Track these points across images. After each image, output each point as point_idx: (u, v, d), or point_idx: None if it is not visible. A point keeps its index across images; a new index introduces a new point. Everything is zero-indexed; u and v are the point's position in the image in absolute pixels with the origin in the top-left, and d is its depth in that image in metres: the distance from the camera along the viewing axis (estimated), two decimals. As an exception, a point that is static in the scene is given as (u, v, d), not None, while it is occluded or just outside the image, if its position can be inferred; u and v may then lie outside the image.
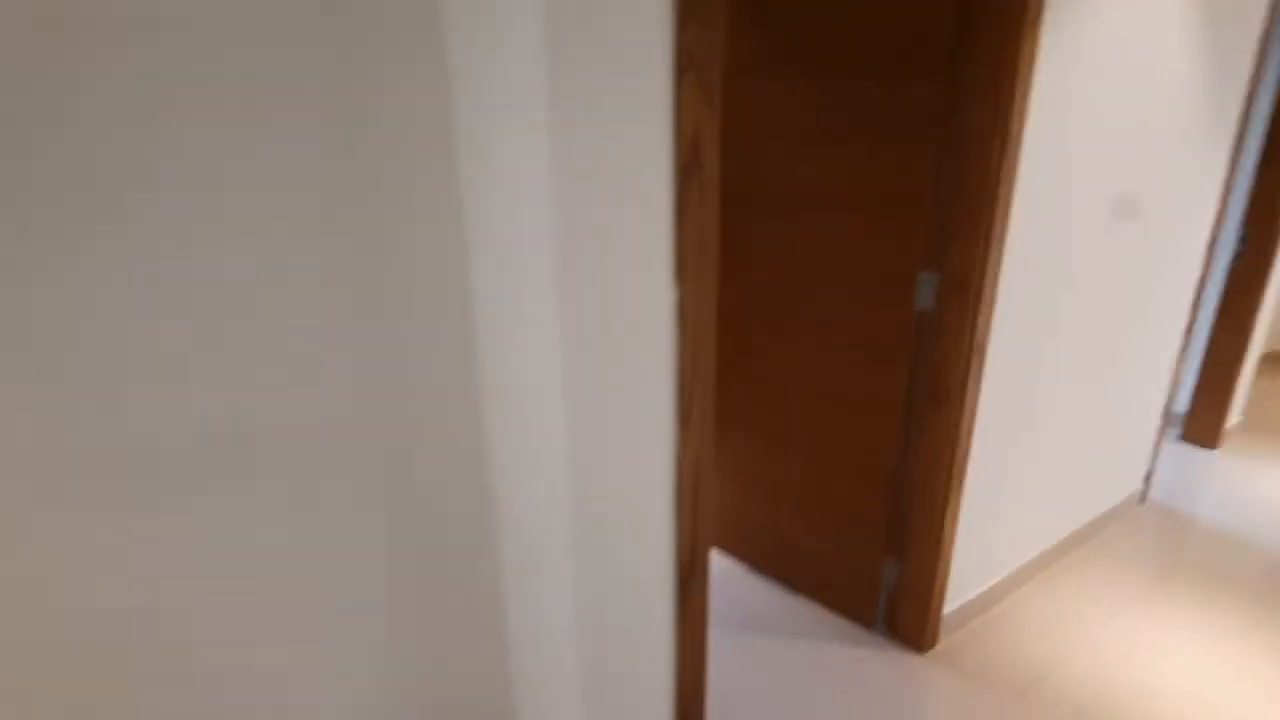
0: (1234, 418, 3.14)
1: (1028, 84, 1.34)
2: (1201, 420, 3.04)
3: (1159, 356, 2.29)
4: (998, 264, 1.45)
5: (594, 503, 0.93)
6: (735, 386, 1.97)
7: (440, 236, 0.70)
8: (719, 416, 2.05)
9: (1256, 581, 2.06)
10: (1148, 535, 2.33)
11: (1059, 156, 1.52)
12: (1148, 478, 2.52)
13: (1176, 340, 2.35)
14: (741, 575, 2.07)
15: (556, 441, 0.87)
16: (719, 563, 2.14)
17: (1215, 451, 3.01)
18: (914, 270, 1.51)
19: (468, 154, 0.69)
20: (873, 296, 1.59)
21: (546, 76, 0.72)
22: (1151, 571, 2.11)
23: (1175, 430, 3.17)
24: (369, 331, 0.68)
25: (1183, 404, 3.16)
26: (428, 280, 0.70)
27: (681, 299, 0.93)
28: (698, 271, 0.93)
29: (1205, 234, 2.26)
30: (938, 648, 1.75)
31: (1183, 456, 2.96)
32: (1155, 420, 2.44)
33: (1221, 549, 2.24)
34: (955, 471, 1.58)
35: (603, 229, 0.82)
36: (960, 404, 1.52)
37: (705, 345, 0.98)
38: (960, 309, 1.47)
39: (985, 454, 1.68)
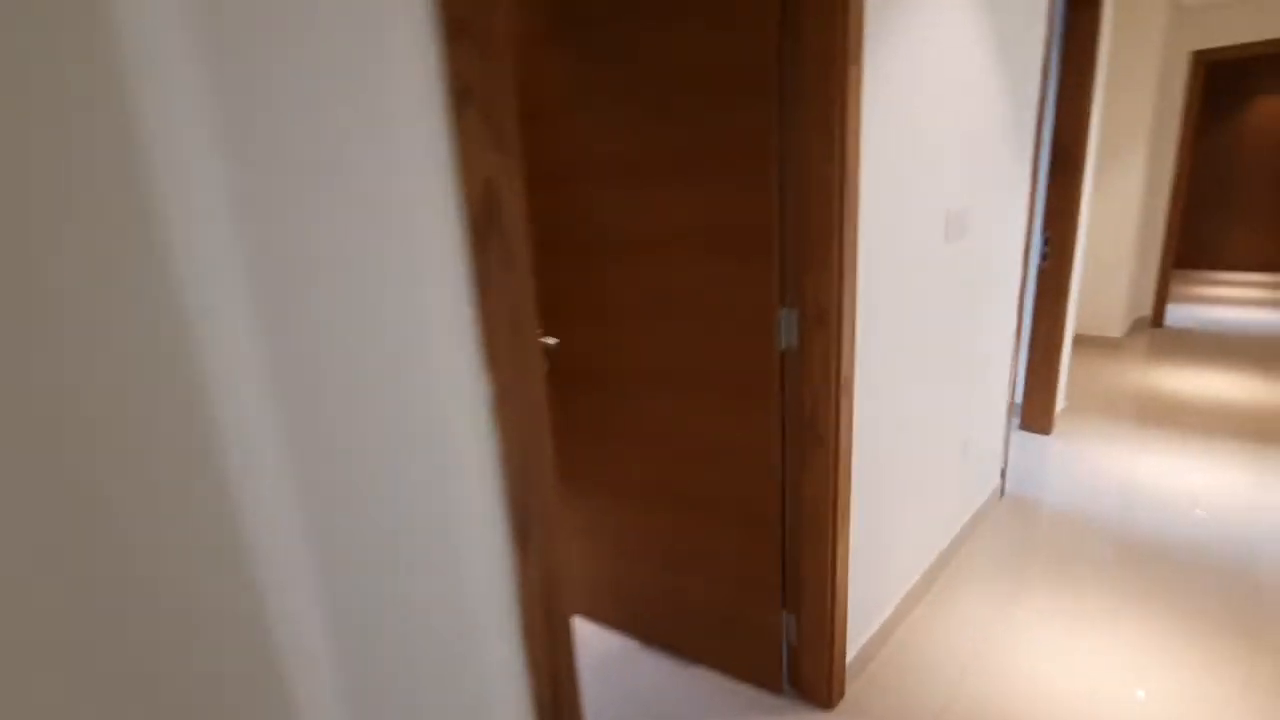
0: (1060, 403, 3.45)
1: (858, 109, 1.29)
2: (1035, 409, 3.30)
3: (998, 359, 2.41)
4: (854, 293, 1.39)
5: (409, 670, 0.69)
6: (597, 446, 1.79)
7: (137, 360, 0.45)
8: (581, 477, 1.85)
9: (1108, 557, 2.18)
10: (1011, 530, 2.43)
11: (894, 180, 1.50)
12: (1003, 473, 2.65)
13: (1009, 341, 2.50)
14: (631, 652, 1.87)
15: (336, 603, 0.62)
16: (603, 641, 1.93)
17: (1050, 436, 3.27)
18: (772, 307, 1.42)
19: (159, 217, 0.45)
20: (734, 338, 1.48)
21: (254, 126, 0.50)
22: (1021, 566, 2.19)
23: (1015, 420, 3.43)
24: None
25: (1018, 396, 3.42)
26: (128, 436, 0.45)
27: (497, 392, 0.72)
28: (514, 354, 0.73)
29: (1020, 242, 2.43)
30: (845, 699, 1.65)
31: (1024, 445, 3.18)
32: (1002, 418, 2.58)
33: (1074, 532, 2.38)
34: (839, 513, 1.50)
35: (377, 322, 0.60)
36: (835, 443, 1.44)
37: (536, 440, 0.78)
38: (824, 344, 1.39)
39: (864, 488, 1.62)
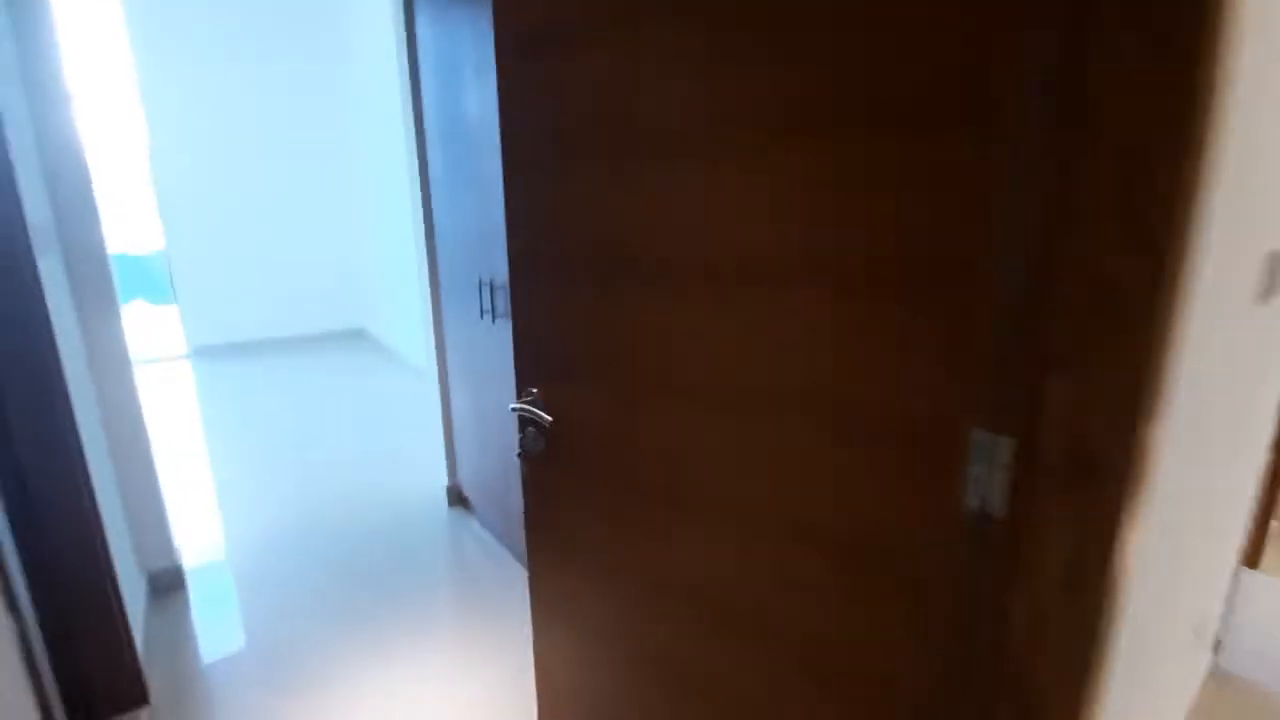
0: (1273, 522, 2.49)
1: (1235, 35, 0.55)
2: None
3: (1252, 474, 1.57)
4: (1166, 419, 0.64)
5: None
6: (605, 601, 1.09)
7: None
8: (585, 645, 1.15)
9: None
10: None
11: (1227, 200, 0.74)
12: (1218, 645, 1.78)
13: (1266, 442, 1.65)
14: None
15: None
16: None
17: (1259, 572, 2.33)
18: (957, 422, 0.69)
19: None
20: (870, 467, 0.76)
21: None
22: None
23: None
24: None
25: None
26: None
27: None
28: None
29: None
30: None
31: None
32: (1231, 564, 1.72)
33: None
34: None
35: None
36: None
37: None
38: (1078, 520, 0.65)
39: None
